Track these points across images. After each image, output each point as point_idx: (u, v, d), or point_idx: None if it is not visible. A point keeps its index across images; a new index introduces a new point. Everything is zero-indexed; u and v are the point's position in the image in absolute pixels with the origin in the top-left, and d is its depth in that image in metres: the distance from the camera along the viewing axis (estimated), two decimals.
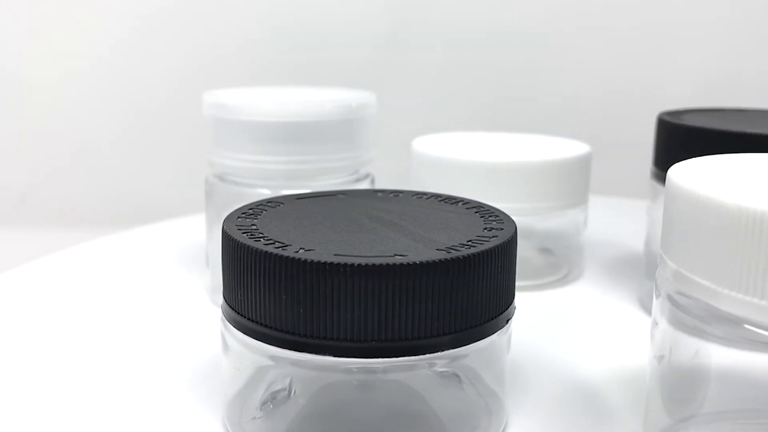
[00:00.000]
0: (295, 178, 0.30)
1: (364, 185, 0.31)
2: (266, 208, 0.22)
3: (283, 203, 0.23)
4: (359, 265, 0.18)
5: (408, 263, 0.18)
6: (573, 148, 0.35)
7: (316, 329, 0.18)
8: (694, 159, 0.20)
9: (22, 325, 0.29)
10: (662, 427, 0.20)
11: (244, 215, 0.22)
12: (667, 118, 0.31)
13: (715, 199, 0.16)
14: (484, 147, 0.35)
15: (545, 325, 0.30)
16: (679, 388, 0.19)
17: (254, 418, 0.22)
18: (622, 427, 0.22)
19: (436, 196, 0.24)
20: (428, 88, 0.58)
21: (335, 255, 0.18)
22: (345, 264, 0.18)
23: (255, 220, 0.21)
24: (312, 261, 0.18)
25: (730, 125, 0.29)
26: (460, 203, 0.24)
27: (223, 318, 0.21)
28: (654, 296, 0.20)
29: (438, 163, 0.34)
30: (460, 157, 0.33)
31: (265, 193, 0.30)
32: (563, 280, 0.35)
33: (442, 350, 0.19)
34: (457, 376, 0.22)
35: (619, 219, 0.43)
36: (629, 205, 0.46)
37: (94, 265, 0.36)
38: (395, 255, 0.18)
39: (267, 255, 0.18)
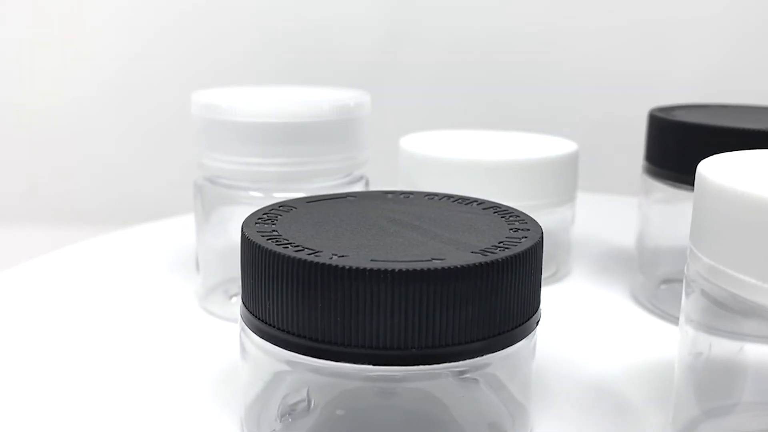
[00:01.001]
0: (288, 180, 0.29)
1: (358, 187, 0.30)
2: (281, 212, 0.22)
3: (295, 207, 0.22)
4: (400, 270, 0.17)
5: (450, 267, 0.17)
6: (560, 146, 0.35)
7: (354, 337, 0.18)
8: (720, 155, 0.20)
9: (20, 330, 0.28)
10: (691, 417, 0.20)
11: (261, 221, 0.21)
12: (660, 114, 0.31)
13: (758, 195, 0.17)
14: (472, 145, 0.35)
15: (544, 323, 0.29)
16: (714, 381, 0.19)
17: (273, 430, 0.21)
18: (648, 422, 0.22)
19: (448, 196, 0.24)
20: (413, 87, 0.58)
21: (372, 261, 0.18)
22: (386, 270, 0.17)
23: (274, 226, 0.20)
24: (351, 267, 0.17)
25: (723, 121, 0.30)
26: (475, 203, 0.23)
27: (244, 325, 0.20)
28: (684, 294, 0.20)
29: (427, 161, 0.34)
30: (449, 156, 0.33)
31: (257, 196, 0.29)
32: (552, 278, 0.35)
33: (481, 355, 0.18)
34: (477, 380, 0.22)
35: (602, 215, 0.44)
36: (614, 202, 0.47)
37: (86, 267, 0.36)
38: (432, 259, 0.18)
39: (301, 262, 0.18)
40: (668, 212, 0.32)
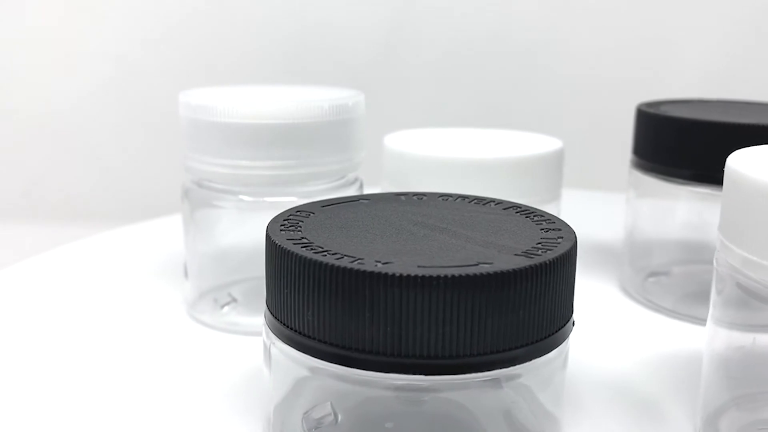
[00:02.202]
0: (280, 184, 0.28)
1: (353, 190, 0.30)
2: (300, 218, 0.21)
3: (313, 212, 0.22)
4: (453, 276, 0.16)
5: (503, 271, 0.17)
6: (546, 144, 0.35)
7: (405, 347, 0.17)
8: (747, 149, 0.20)
9: (19, 334, 0.27)
10: (721, 404, 0.20)
11: (284, 228, 0.20)
12: (649, 110, 0.31)
13: None
14: (457, 143, 0.35)
15: None
16: (751, 371, 0.20)
17: None
18: (672, 414, 0.22)
19: (463, 197, 0.24)
20: (396, 85, 0.57)
21: (419, 267, 0.17)
22: (438, 276, 0.16)
23: (300, 232, 0.20)
24: (401, 275, 0.16)
25: (712, 116, 0.30)
26: (492, 203, 0.23)
27: (272, 333, 0.19)
28: (714, 290, 0.20)
29: (412, 159, 0.33)
30: (434, 154, 0.32)
31: (247, 199, 0.28)
32: None
33: (530, 359, 0.18)
34: (502, 387, 0.21)
35: (587, 211, 0.44)
36: (598, 198, 0.47)
37: (76, 269, 0.35)
38: (479, 263, 0.17)
39: (346, 271, 0.17)
40: (656, 206, 0.32)
